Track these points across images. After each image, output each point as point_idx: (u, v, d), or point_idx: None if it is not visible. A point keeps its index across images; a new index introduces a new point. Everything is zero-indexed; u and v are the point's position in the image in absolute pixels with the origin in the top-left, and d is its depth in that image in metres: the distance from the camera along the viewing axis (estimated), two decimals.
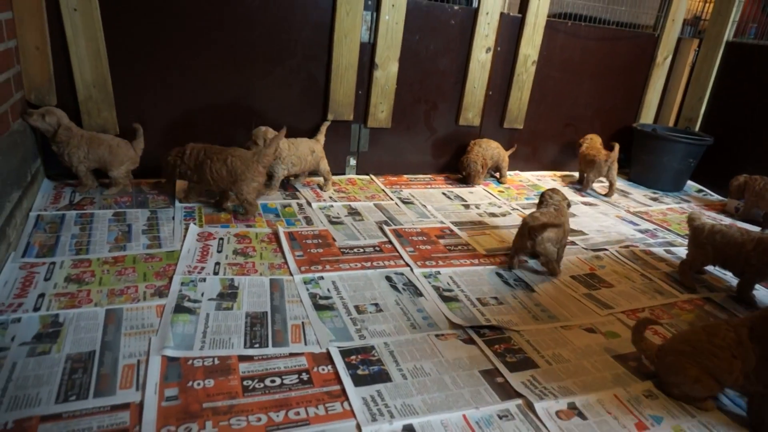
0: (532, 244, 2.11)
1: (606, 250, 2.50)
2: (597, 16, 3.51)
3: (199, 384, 1.37)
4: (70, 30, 2.35)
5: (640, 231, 2.81)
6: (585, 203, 3.17)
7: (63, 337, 1.49)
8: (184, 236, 2.15)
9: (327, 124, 2.90)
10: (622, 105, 3.82)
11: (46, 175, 2.55)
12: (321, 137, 2.87)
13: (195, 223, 2.27)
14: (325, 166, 2.83)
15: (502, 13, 3.12)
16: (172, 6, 2.50)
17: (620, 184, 3.66)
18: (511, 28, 3.21)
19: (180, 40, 2.56)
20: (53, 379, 1.33)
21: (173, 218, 2.30)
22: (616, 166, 3.28)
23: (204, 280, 1.85)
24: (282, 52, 2.76)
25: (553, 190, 2.35)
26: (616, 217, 2.97)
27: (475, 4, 3.09)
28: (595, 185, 3.42)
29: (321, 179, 2.91)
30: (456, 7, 3.03)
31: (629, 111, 3.87)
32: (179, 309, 1.67)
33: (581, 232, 2.69)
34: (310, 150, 2.73)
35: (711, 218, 3.05)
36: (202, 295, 1.77)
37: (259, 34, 2.69)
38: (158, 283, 1.81)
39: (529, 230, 2.10)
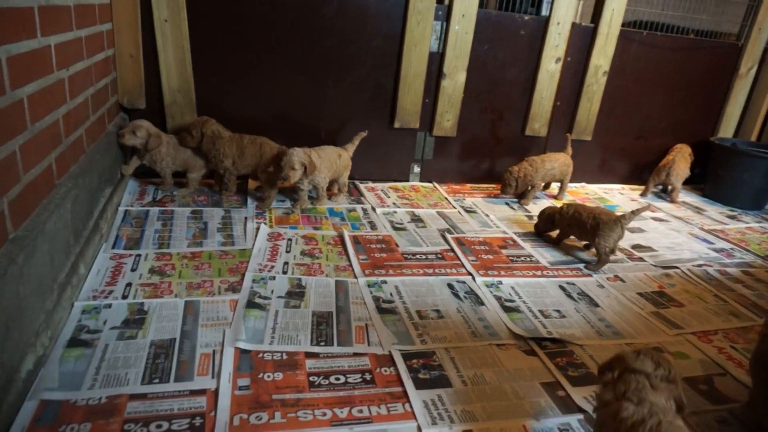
0: None
1: (677, 268, 2.41)
2: (675, 25, 3.40)
3: (269, 376, 1.44)
4: (161, 39, 2.53)
5: (715, 250, 2.69)
6: (655, 219, 3.06)
7: (147, 324, 1.61)
8: (256, 236, 2.26)
9: (362, 135, 2.79)
10: (699, 118, 3.66)
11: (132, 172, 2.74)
12: (350, 147, 2.79)
13: (266, 224, 2.38)
14: (346, 176, 2.78)
15: (573, 23, 3.08)
16: (252, 18, 2.64)
17: (694, 200, 3.51)
18: (583, 38, 3.16)
19: (258, 49, 2.70)
20: (139, 362, 1.45)
21: (245, 218, 2.43)
22: (676, 171, 3.31)
23: (273, 278, 1.95)
24: (353, 60, 2.85)
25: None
26: (688, 234, 2.86)
27: (544, 13, 3.07)
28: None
29: (379, 185, 2.96)
30: (527, 17, 3.02)
31: (706, 124, 3.71)
32: (251, 304, 1.76)
33: (650, 248, 2.61)
34: (337, 155, 2.68)
35: None
36: (272, 292, 1.86)
37: (332, 44, 2.79)
38: (231, 279, 1.92)
39: None
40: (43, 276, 1.41)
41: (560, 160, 3.11)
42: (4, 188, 1.25)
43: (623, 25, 3.18)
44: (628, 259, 2.46)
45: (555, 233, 2.53)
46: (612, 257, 2.34)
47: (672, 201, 3.41)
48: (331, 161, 2.62)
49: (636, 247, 2.61)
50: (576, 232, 2.41)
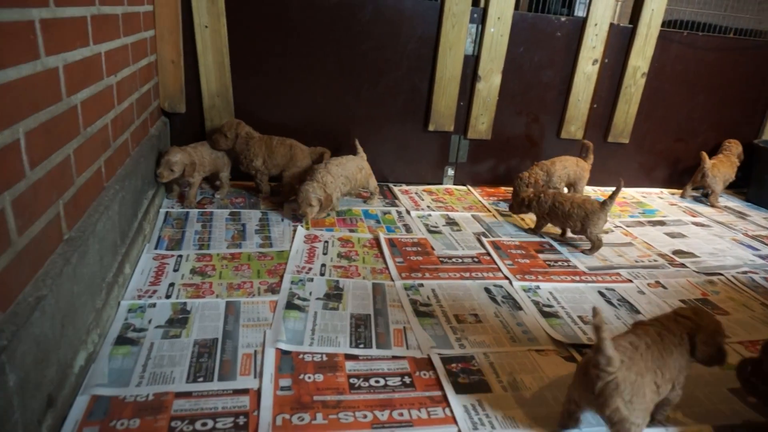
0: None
1: (720, 275, 2.34)
2: (715, 24, 3.31)
3: (309, 378, 1.46)
4: (201, 45, 2.59)
5: (761, 256, 2.60)
6: (696, 224, 2.98)
7: (191, 323, 1.65)
8: (293, 238, 2.29)
9: (357, 142, 2.75)
10: (743, 120, 3.55)
11: None
12: (363, 154, 2.74)
13: (302, 226, 2.41)
14: (374, 182, 2.77)
15: (611, 24, 3.03)
16: (289, 23, 2.68)
17: (737, 204, 3.41)
18: (621, 39, 3.10)
19: (294, 53, 2.74)
20: (184, 361, 1.48)
21: (282, 220, 2.46)
22: (713, 173, 3.25)
23: (311, 280, 1.97)
24: (388, 63, 2.86)
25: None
26: (732, 240, 2.78)
27: (578, 13, 3.02)
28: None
29: (413, 188, 2.96)
30: (563, 19, 2.99)
31: (750, 126, 3.60)
32: (290, 306, 1.78)
33: (692, 254, 2.54)
34: (358, 168, 2.64)
35: None
36: (310, 294, 1.88)
37: (368, 47, 2.81)
38: (270, 280, 1.95)
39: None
40: (93, 275, 1.46)
41: (571, 161, 2.97)
42: (60, 191, 1.29)
43: (662, 24, 3.11)
44: (669, 265, 2.40)
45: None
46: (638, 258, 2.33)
47: (712, 205, 3.31)
48: (350, 176, 2.57)
49: (677, 252, 2.55)
50: (556, 221, 2.49)
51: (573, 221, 2.39)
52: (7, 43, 1.03)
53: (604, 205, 2.34)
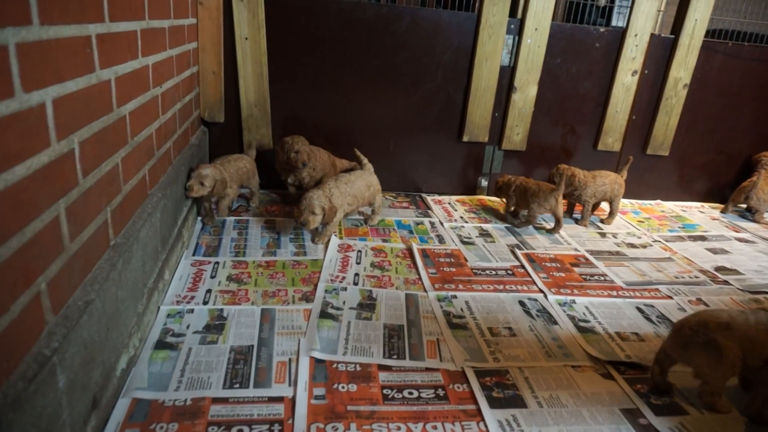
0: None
1: (766, 293, 2.26)
2: (763, 34, 3.21)
3: (343, 387, 1.47)
4: (241, 56, 2.65)
5: None
6: (740, 239, 2.89)
7: (227, 330, 1.68)
8: (327, 247, 2.31)
9: (358, 153, 2.65)
10: None
11: None
12: (369, 165, 2.63)
13: (336, 235, 2.43)
14: (380, 199, 2.63)
15: (652, 35, 2.97)
16: (327, 34, 2.72)
17: None
18: (662, 50, 3.04)
19: (331, 64, 2.78)
20: (220, 367, 1.51)
21: (317, 229, 2.48)
22: (757, 195, 3.12)
23: (345, 289, 1.98)
24: (424, 74, 2.88)
25: None
26: None
27: (616, 23, 2.98)
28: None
29: (446, 198, 2.95)
30: (602, 29, 2.95)
31: None
32: (324, 315, 1.80)
33: (736, 271, 2.46)
34: (367, 185, 2.50)
35: None
36: (344, 303, 1.89)
37: (404, 58, 2.83)
38: (305, 288, 1.97)
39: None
40: (136, 280, 1.50)
41: (611, 178, 2.85)
42: (108, 198, 1.34)
43: (705, 35, 3.04)
44: (712, 282, 2.33)
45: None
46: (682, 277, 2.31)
47: (757, 221, 3.20)
48: (358, 194, 2.44)
49: (720, 269, 2.47)
50: (519, 201, 2.76)
51: (526, 199, 2.69)
52: (67, 58, 1.08)
53: (554, 190, 2.60)
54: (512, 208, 2.82)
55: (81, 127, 1.16)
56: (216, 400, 1.38)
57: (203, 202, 2.42)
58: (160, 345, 1.58)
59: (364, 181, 2.50)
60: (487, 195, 3.02)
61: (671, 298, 2.15)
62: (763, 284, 2.35)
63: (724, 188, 3.45)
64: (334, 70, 2.80)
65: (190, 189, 2.20)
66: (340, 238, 2.42)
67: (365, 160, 2.63)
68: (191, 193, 2.20)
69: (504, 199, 2.87)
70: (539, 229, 2.77)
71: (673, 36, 3.03)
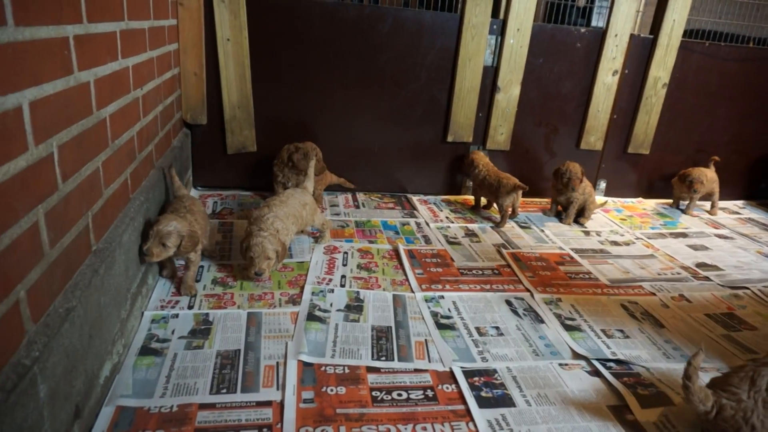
0: None
1: (746, 288, 2.30)
2: (734, 33, 3.27)
3: (332, 390, 1.46)
4: (223, 57, 2.62)
5: None
6: (720, 236, 2.93)
7: (213, 334, 1.66)
8: (313, 248, 2.29)
9: (312, 162, 2.44)
10: (765, 130, 3.50)
11: (194, 185, 2.85)
12: (309, 183, 2.37)
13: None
14: (320, 218, 2.34)
15: (632, 35, 3.01)
16: (310, 35, 2.70)
17: (761, 216, 3.35)
18: (641, 50, 3.08)
19: (315, 64, 2.76)
20: (207, 372, 1.49)
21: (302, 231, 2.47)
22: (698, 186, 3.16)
23: (332, 291, 1.97)
24: (408, 74, 2.87)
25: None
26: (757, 253, 2.72)
27: (595, 24, 3.02)
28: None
29: (431, 198, 2.94)
30: (583, 30, 2.98)
31: None
32: (311, 317, 1.78)
33: (716, 267, 2.50)
34: (302, 204, 2.20)
35: None
36: (331, 305, 1.88)
37: (387, 59, 2.82)
38: (291, 291, 1.95)
39: None
40: (119, 286, 1.47)
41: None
42: (89, 203, 1.31)
43: (683, 35, 3.08)
44: (693, 278, 2.36)
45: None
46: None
47: (689, 213, 3.27)
48: (296, 215, 2.16)
49: (700, 265, 2.51)
50: (486, 193, 2.88)
51: (492, 191, 2.77)
52: (44, 60, 1.06)
53: (517, 186, 2.68)
54: (483, 203, 2.99)
55: (60, 131, 1.13)
56: (203, 406, 1.36)
57: (165, 262, 1.90)
58: (145, 351, 1.55)
59: (298, 199, 2.20)
60: (472, 194, 3.03)
61: (654, 294, 2.17)
62: (742, 279, 2.39)
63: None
64: (317, 71, 2.78)
65: (149, 254, 1.66)
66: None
67: (309, 183, 2.39)
68: (151, 258, 1.67)
69: (465, 176, 3.04)
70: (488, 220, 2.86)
71: (652, 36, 3.07)
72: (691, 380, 1.25)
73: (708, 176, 3.17)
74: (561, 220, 2.92)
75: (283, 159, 2.63)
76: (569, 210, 2.88)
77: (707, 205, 3.38)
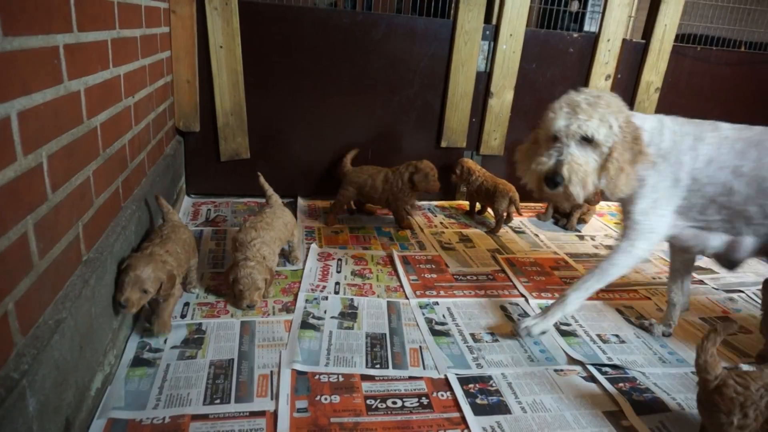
0: None
1: (741, 291, 2.30)
2: (725, 38, 3.30)
3: (326, 399, 1.45)
4: (215, 65, 2.62)
5: None
6: None
7: (206, 344, 1.65)
8: (306, 255, 2.28)
9: (262, 180, 2.26)
10: None
11: (187, 192, 2.84)
12: (276, 199, 2.23)
13: (315, 243, 2.41)
14: (297, 235, 2.26)
15: (624, 40, 3.03)
16: (303, 42, 2.70)
17: None
18: (634, 55, 3.10)
19: (308, 72, 2.76)
20: (200, 382, 1.47)
21: None
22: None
23: (326, 298, 1.96)
24: (401, 81, 2.88)
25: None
26: None
27: (587, 29, 3.03)
28: None
29: (425, 204, 2.94)
30: (575, 35, 2.99)
31: None
32: (305, 325, 1.77)
33: (711, 270, 2.50)
34: (284, 224, 2.13)
35: None
36: (325, 312, 1.87)
37: (380, 66, 2.82)
38: (285, 299, 1.94)
39: None
40: (110, 296, 1.46)
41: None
42: (79, 212, 1.30)
43: (675, 39, 3.10)
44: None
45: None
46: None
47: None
48: (281, 237, 2.10)
49: (695, 269, 2.51)
50: (482, 198, 2.88)
51: (488, 197, 2.79)
52: (33, 69, 1.05)
53: (511, 191, 2.71)
54: (477, 208, 2.99)
55: (49, 141, 1.12)
56: (196, 417, 1.35)
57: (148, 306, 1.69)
58: (137, 362, 1.53)
59: (282, 220, 2.12)
60: (467, 200, 3.03)
61: (649, 298, 2.18)
62: (737, 282, 2.39)
63: None
64: (310, 78, 2.78)
65: (128, 305, 1.45)
66: (320, 246, 2.40)
67: (270, 191, 2.25)
68: (130, 309, 1.46)
69: (461, 183, 2.99)
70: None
71: (644, 41, 3.09)
72: (709, 342, 1.26)
73: None
74: (558, 225, 2.93)
75: (403, 178, 2.57)
76: (573, 215, 2.88)
77: None
